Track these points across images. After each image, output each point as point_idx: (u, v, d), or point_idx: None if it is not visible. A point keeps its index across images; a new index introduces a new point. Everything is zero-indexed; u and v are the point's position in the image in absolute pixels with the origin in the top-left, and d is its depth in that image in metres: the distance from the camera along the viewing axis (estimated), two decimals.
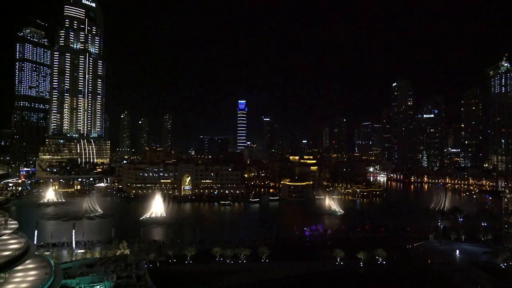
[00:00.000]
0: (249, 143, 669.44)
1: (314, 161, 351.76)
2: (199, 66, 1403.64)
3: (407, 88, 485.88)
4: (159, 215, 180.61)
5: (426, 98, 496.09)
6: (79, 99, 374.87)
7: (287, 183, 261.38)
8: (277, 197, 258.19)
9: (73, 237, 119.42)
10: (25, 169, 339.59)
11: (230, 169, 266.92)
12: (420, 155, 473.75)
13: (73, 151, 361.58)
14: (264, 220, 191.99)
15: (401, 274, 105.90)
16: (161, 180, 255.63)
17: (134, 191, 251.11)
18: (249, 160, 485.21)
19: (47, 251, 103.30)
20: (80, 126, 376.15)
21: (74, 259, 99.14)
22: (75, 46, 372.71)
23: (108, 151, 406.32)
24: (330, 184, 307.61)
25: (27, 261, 63.71)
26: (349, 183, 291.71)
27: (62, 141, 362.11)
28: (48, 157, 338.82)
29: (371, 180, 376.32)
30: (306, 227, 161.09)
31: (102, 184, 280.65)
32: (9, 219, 71.78)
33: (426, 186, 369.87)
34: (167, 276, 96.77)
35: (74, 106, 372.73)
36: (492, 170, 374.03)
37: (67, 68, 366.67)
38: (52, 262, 68.62)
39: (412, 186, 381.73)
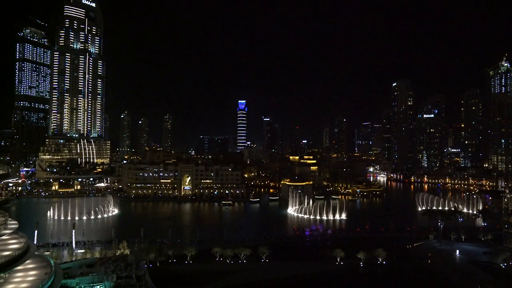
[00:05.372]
0: (249, 143, 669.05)
1: (314, 161, 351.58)
2: (199, 66, 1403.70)
3: (407, 88, 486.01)
4: None
5: (426, 98, 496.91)
6: (79, 99, 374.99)
7: (287, 183, 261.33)
8: (277, 197, 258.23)
9: (73, 237, 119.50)
10: (25, 169, 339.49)
11: (230, 169, 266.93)
12: (420, 155, 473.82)
13: (73, 151, 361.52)
14: (264, 220, 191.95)
15: (401, 274, 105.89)
16: (161, 180, 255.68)
17: (134, 191, 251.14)
18: (249, 160, 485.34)
19: (47, 251, 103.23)
20: (80, 126, 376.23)
21: (74, 259, 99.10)
22: (75, 46, 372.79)
23: (108, 151, 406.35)
24: (330, 184, 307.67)
25: (27, 261, 63.65)
26: (349, 183, 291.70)
27: (62, 141, 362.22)
28: (48, 157, 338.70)
29: (371, 180, 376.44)
30: (306, 227, 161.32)
31: (102, 184, 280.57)
32: (9, 219, 71.79)
33: (426, 186, 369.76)
34: (167, 276, 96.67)
35: (74, 106, 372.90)
36: (492, 170, 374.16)
37: (67, 68, 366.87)
38: (52, 262, 68.55)
39: (412, 186, 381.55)
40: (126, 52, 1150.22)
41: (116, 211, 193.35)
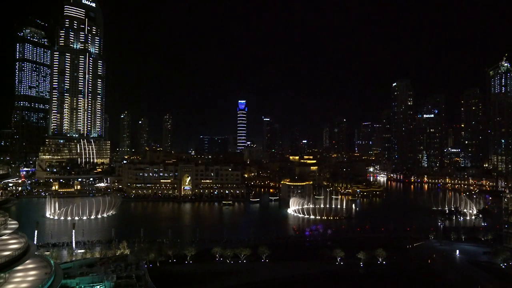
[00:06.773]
0: (249, 143, 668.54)
1: (314, 161, 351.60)
2: (199, 66, 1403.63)
3: (407, 88, 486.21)
4: None
5: (426, 98, 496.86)
6: (79, 99, 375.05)
7: (287, 183, 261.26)
8: (277, 197, 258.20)
9: (73, 237, 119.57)
10: (25, 169, 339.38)
11: (230, 169, 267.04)
12: (420, 155, 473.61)
13: (73, 151, 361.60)
14: (264, 220, 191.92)
15: (401, 274, 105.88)
16: (161, 180, 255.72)
17: (134, 191, 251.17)
18: (249, 160, 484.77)
19: (47, 251, 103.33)
20: (80, 126, 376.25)
21: (74, 259, 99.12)
22: (75, 46, 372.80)
23: (108, 151, 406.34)
24: (330, 184, 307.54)
25: (27, 261, 63.63)
26: (349, 183, 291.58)
27: (62, 141, 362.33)
28: (48, 157, 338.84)
29: (371, 180, 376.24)
30: (306, 227, 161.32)
31: (102, 184, 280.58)
32: (9, 219, 71.78)
33: (426, 186, 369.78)
34: (167, 276, 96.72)
35: (74, 106, 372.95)
36: (492, 170, 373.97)
37: (67, 68, 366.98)
38: (52, 262, 68.54)
39: (412, 186, 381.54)
40: (126, 52, 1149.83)
41: (115, 211, 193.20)
